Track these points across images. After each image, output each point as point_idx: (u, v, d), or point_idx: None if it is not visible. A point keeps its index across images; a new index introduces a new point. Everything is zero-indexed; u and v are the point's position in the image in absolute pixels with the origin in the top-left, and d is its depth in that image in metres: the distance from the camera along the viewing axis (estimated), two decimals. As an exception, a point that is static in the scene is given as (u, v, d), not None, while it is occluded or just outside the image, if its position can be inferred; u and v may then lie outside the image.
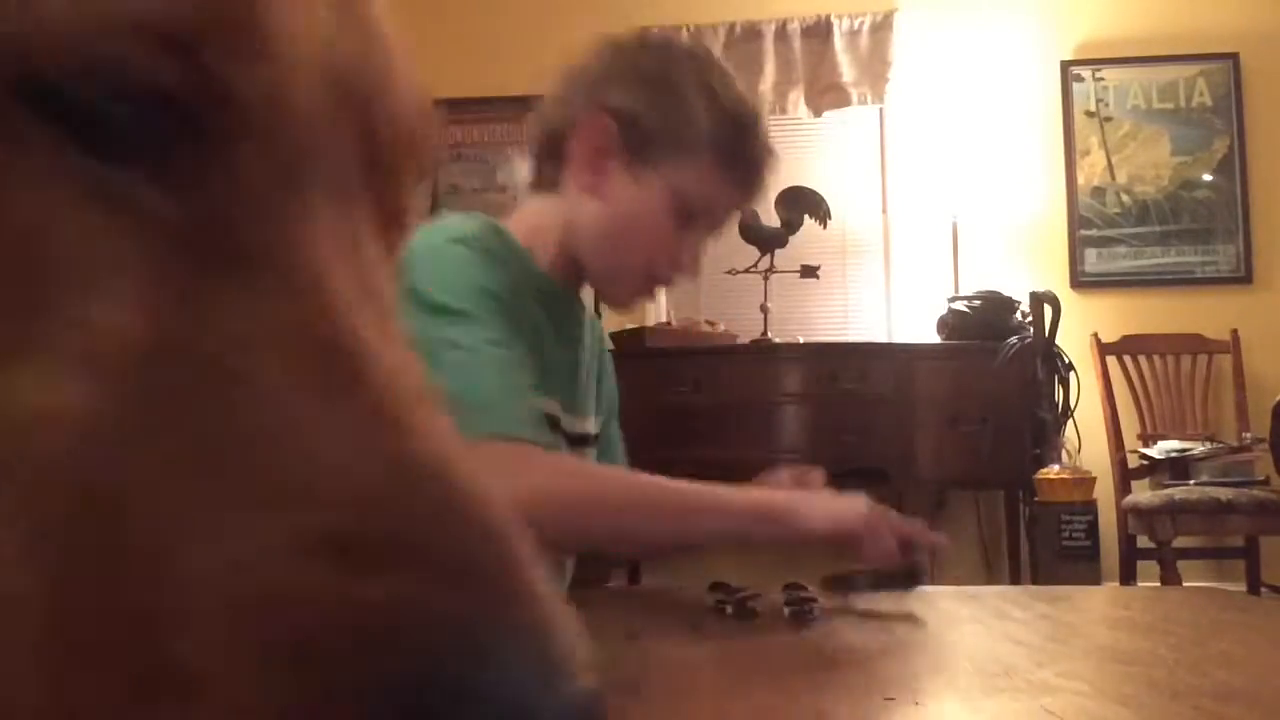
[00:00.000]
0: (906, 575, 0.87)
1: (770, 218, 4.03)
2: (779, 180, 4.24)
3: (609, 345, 1.35)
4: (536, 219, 1.14)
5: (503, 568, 0.21)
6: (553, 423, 1.09)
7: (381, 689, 0.18)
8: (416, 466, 0.21)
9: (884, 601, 0.84)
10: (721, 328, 3.88)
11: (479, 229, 1.07)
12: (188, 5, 0.22)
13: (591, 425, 1.22)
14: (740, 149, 1.08)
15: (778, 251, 3.98)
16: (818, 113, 4.23)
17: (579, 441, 1.17)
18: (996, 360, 3.64)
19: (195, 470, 0.20)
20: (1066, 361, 3.77)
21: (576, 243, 1.12)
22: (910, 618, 0.90)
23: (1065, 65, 4.22)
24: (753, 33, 4.24)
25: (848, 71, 4.18)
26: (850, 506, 1.00)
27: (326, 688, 0.18)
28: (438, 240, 1.03)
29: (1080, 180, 4.19)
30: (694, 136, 1.07)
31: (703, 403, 3.53)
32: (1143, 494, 3.52)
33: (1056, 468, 3.53)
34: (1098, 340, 3.94)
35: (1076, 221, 4.18)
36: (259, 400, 0.21)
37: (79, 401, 0.20)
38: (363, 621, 0.18)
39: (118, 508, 0.19)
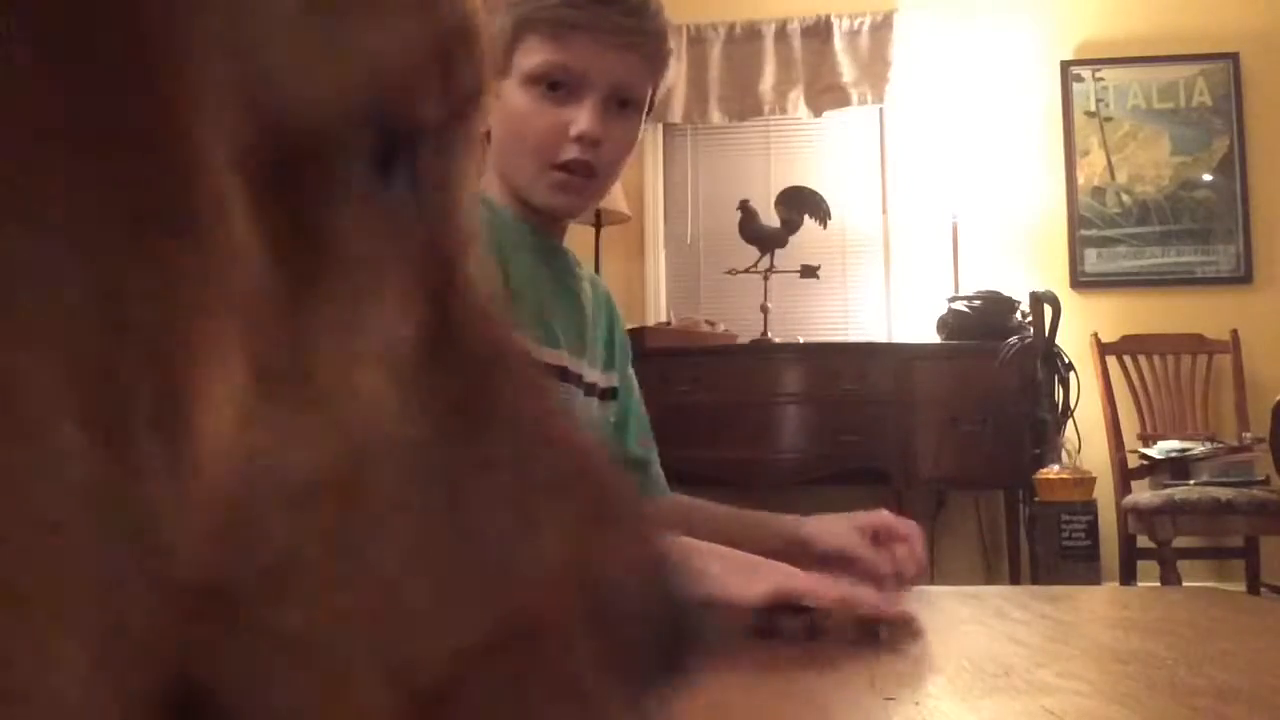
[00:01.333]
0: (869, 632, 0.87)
1: (770, 218, 4.03)
2: (780, 179, 4.26)
3: (615, 305, 1.34)
4: (492, 177, 1.18)
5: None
6: (562, 373, 1.11)
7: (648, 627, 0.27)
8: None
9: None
10: (721, 328, 3.88)
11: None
12: (419, 47, 0.23)
13: (601, 379, 1.22)
14: (536, 6, 1.10)
15: (777, 251, 3.99)
16: (818, 113, 4.23)
17: (588, 391, 1.19)
18: (996, 360, 3.64)
19: (499, 471, 0.25)
20: (1066, 361, 3.77)
21: (500, 175, 1.15)
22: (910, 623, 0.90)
23: (1065, 65, 4.22)
24: (753, 33, 4.24)
25: (848, 71, 4.18)
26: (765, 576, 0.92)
27: (618, 627, 0.26)
28: None
29: (1080, 180, 4.19)
30: (504, 26, 1.11)
31: (702, 403, 3.53)
32: (1143, 494, 3.52)
33: (1056, 468, 3.53)
34: (1098, 340, 3.94)
35: (1076, 221, 4.18)
36: (521, 403, 0.26)
37: (401, 405, 0.23)
38: (630, 588, 0.26)
39: (467, 496, 0.24)
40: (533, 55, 1.10)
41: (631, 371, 1.31)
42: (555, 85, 1.10)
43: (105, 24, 0.18)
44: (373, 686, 0.21)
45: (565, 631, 0.24)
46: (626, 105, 1.13)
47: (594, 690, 0.25)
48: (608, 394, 1.24)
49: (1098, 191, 4.19)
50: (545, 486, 0.25)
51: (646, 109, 1.18)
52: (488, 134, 1.15)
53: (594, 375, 1.21)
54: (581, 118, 1.09)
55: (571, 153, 1.10)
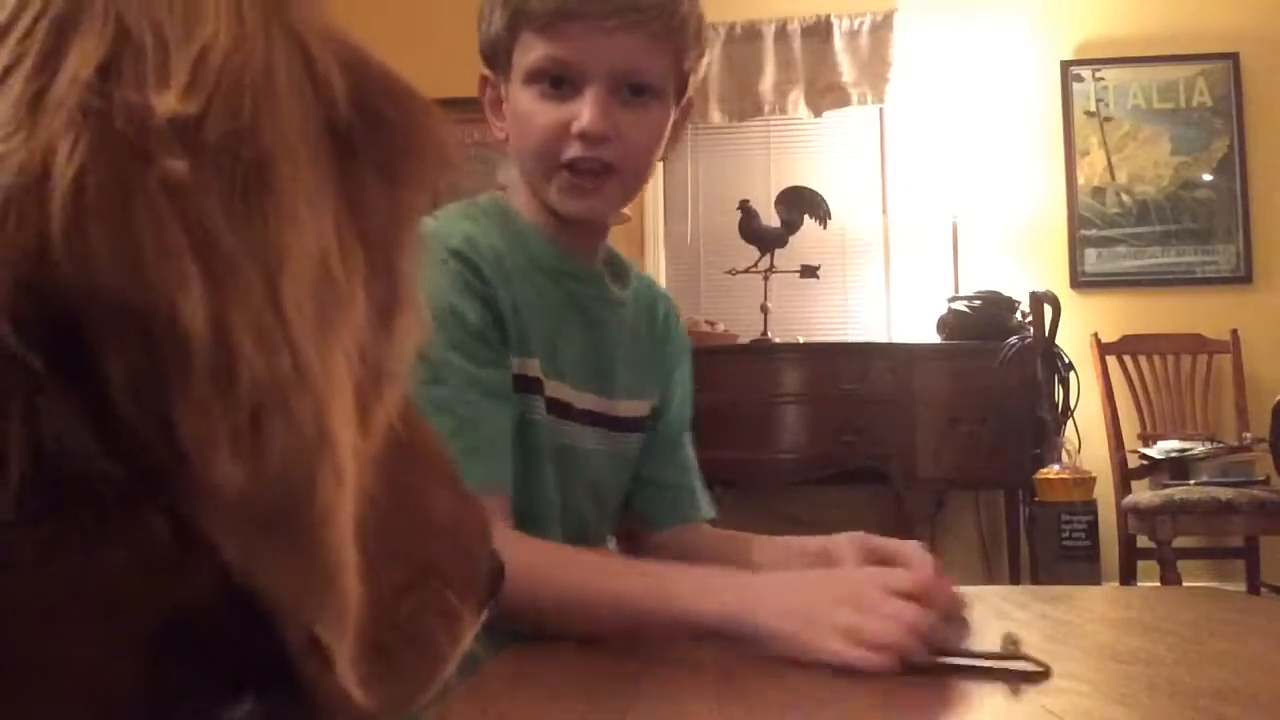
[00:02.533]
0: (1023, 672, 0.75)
1: (770, 218, 4.03)
2: (780, 179, 4.26)
3: (684, 341, 1.28)
4: (520, 189, 1.13)
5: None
6: (531, 383, 1.05)
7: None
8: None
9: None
10: (721, 328, 3.88)
11: (475, 231, 1.07)
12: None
13: (626, 408, 1.15)
14: (527, 5, 1.04)
15: (778, 251, 3.99)
16: (818, 113, 4.23)
17: (594, 420, 1.13)
18: (996, 360, 3.64)
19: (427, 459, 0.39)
20: (1066, 361, 3.77)
21: (524, 180, 1.10)
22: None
23: (1065, 65, 4.22)
24: (753, 33, 4.24)
25: (848, 71, 4.18)
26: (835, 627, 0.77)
27: (479, 562, 0.40)
28: (430, 266, 1.03)
29: (1080, 180, 4.19)
30: (500, 27, 1.05)
31: (702, 402, 3.50)
32: (1143, 494, 3.52)
33: (1056, 467, 3.53)
34: (1098, 340, 3.94)
35: (1076, 221, 4.18)
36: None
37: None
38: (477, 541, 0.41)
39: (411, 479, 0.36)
40: (529, 53, 1.03)
41: (680, 397, 1.24)
42: (557, 81, 1.02)
43: None
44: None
45: (448, 570, 0.37)
46: (641, 91, 1.03)
47: (462, 611, 0.37)
48: (642, 423, 1.18)
49: (1098, 191, 4.19)
50: (436, 480, 0.39)
51: (679, 91, 1.08)
52: (507, 138, 1.10)
53: (612, 407, 1.14)
54: (583, 113, 1.01)
55: (575, 150, 1.02)
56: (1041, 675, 0.71)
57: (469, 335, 0.99)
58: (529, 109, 1.04)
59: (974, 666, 0.74)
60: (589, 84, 1.02)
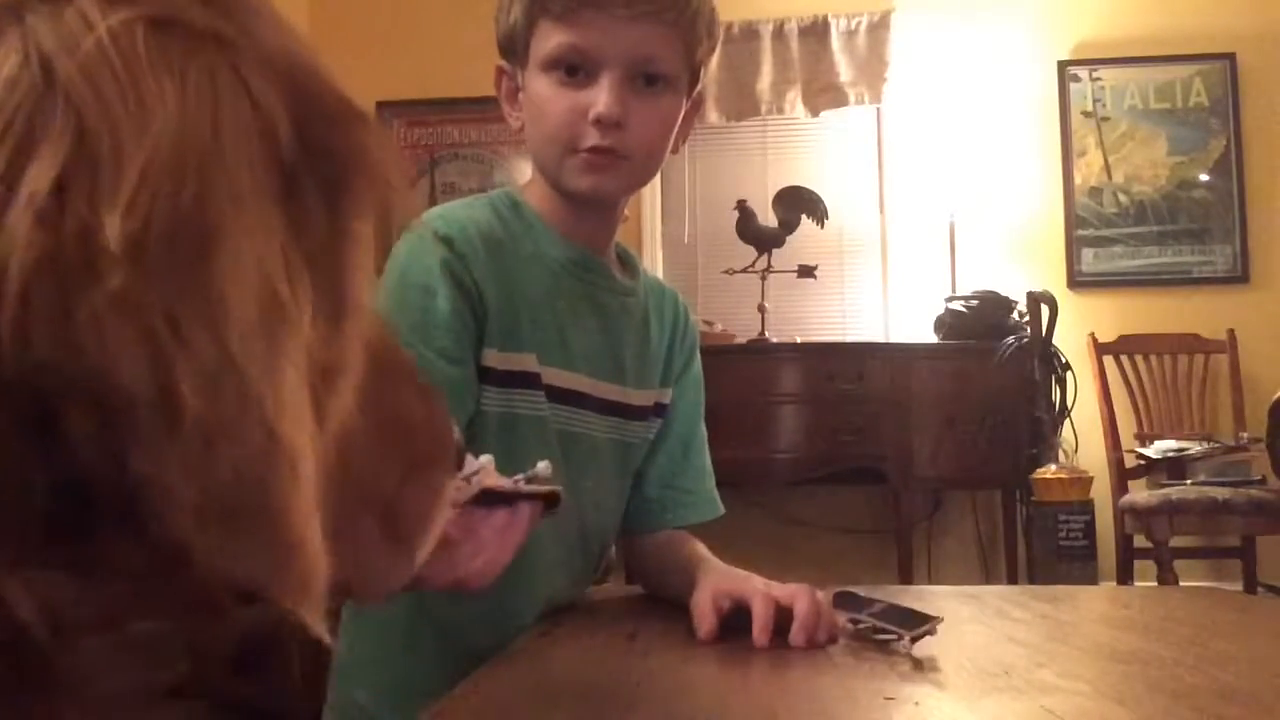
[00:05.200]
0: (920, 617, 0.82)
1: (768, 218, 4.03)
2: (777, 179, 4.26)
3: (685, 320, 1.28)
4: (532, 179, 1.15)
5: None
6: (523, 378, 1.06)
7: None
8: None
9: (890, 632, 0.82)
10: (719, 328, 3.88)
11: (475, 218, 1.07)
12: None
13: (640, 397, 1.17)
14: None
15: (775, 251, 3.99)
16: (815, 113, 4.23)
17: (616, 411, 1.14)
18: (994, 360, 3.64)
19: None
20: (1063, 361, 3.77)
21: (537, 168, 1.12)
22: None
23: (1062, 65, 4.22)
24: (750, 32, 4.24)
25: (845, 71, 4.18)
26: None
27: (448, 444, 0.49)
28: (416, 244, 1.04)
29: (1077, 180, 4.19)
30: (518, 16, 1.07)
31: (700, 402, 3.53)
32: (1140, 493, 3.52)
33: (1053, 467, 3.54)
34: (1095, 340, 3.95)
35: (1073, 221, 4.18)
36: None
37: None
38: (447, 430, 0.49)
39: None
40: (546, 40, 1.05)
41: (689, 394, 1.25)
42: (573, 69, 1.04)
43: None
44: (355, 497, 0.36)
45: (430, 456, 0.46)
46: (655, 81, 1.06)
47: (445, 482, 0.48)
48: (647, 412, 1.19)
49: (1095, 191, 4.19)
50: (408, 388, 0.46)
51: (691, 81, 1.10)
52: (522, 128, 1.12)
53: (625, 395, 1.15)
54: (598, 99, 1.03)
55: (592, 138, 1.04)
56: (935, 620, 0.80)
57: (435, 324, 1.00)
58: (545, 95, 1.06)
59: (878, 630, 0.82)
60: (604, 71, 1.03)
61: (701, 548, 1.16)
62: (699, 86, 1.13)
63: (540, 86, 1.06)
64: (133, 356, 0.28)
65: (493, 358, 1.04)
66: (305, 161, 0.33)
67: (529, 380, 1.06)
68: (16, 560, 0.28)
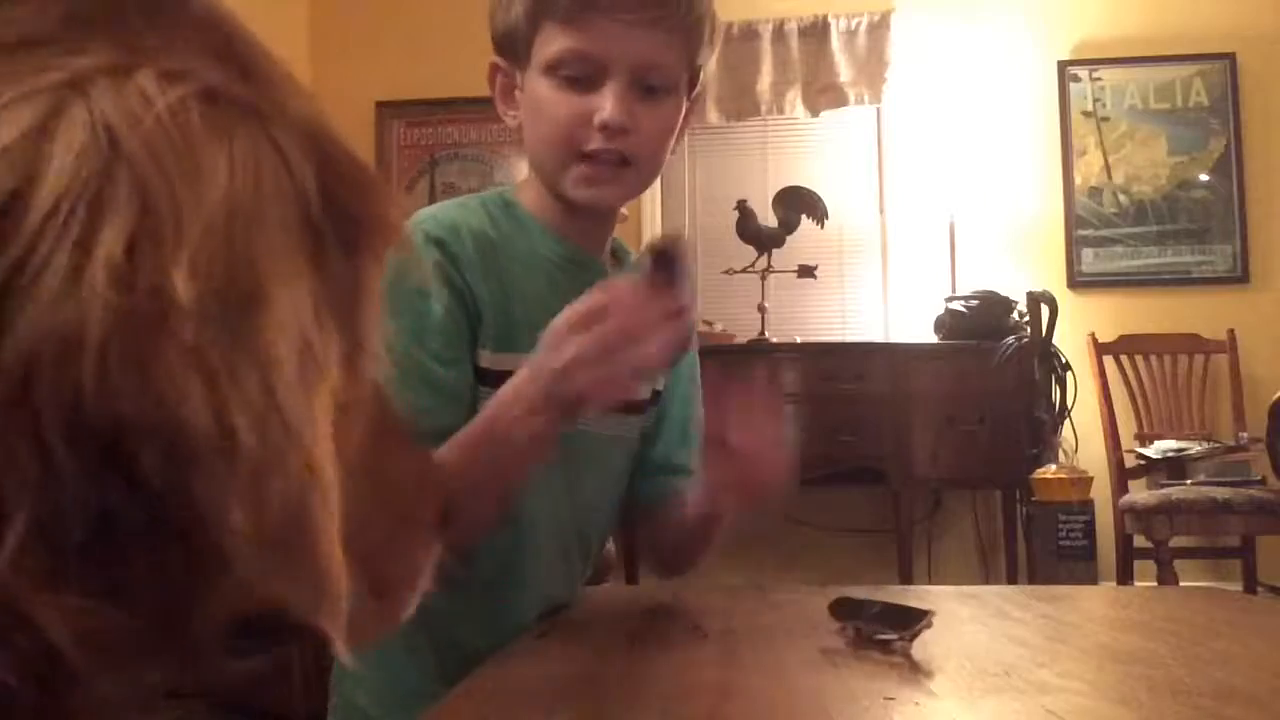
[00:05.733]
0: (915, 614, 0.83)
1: (768, 218, 4.03)
2: (777, 179, 4.26)
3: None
4: (528, 180, 1.15)
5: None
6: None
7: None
8: None
9: (888, 633, 0.82)
10: (719, 327, 3.88)
11: (466, 219, 1.07)
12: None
13: (644, 389, 1.18)
14: None
15: (775, 251, 3.99)
16: (815, 113, 4.23)
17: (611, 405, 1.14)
18: (994, 360, 3.65)
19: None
20: (1063, 361, 3.78)
21: (535, 170, 1.12)
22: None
23: (1062, 65, 4.22)
24: (750, 32, 4.24)
25: (845, 71, 4.19)
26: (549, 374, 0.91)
27: (436, 500, 0.50)
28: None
29: (1077, 180, 4.20)
30: (520, 16, 1.06)
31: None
32: (1140, 494, 3.52)
33: (1053, 467, 3.54)
34: (1094, 340, 3.95)
35: (1073, 221, 4.18)
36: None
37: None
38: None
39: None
40: (550, 43, 1.04)
41: (685, 377, 1.26)
42: (577, 72, 1.04)
43: None
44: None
45: (418, 512, 0.48)
46: (657, 88, 1.06)
47: (431, 538, 0.49)
48: (644, 404, 1.20)
49: (1095, 191, 4.20)
50: (399, 446, 0.48)
51: (690, 83, 1.10)
52: (519, 126, 1.11)
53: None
54: (605, 105, 1.03)
55: (596, 142, 1.04)
56: (929, 614, 0.80)
57: (429, 327, 1.01)
58: (548, 99, 1.05)
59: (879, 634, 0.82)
60: (610, 77, 1.03)
61: None
62: (697, 89, 1.13)
63: (542, 89, 1.05)
64: (200, 400, 0.31)
65: (487, 358, 1.04)
66: (330, 222, 0.37)
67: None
68: (50, 585, 0.30)
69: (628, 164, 1.06)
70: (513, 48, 1.09)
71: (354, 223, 0.38)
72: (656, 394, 1.22)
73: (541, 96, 1.06)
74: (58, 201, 0.30)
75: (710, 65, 1.14)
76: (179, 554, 0.32)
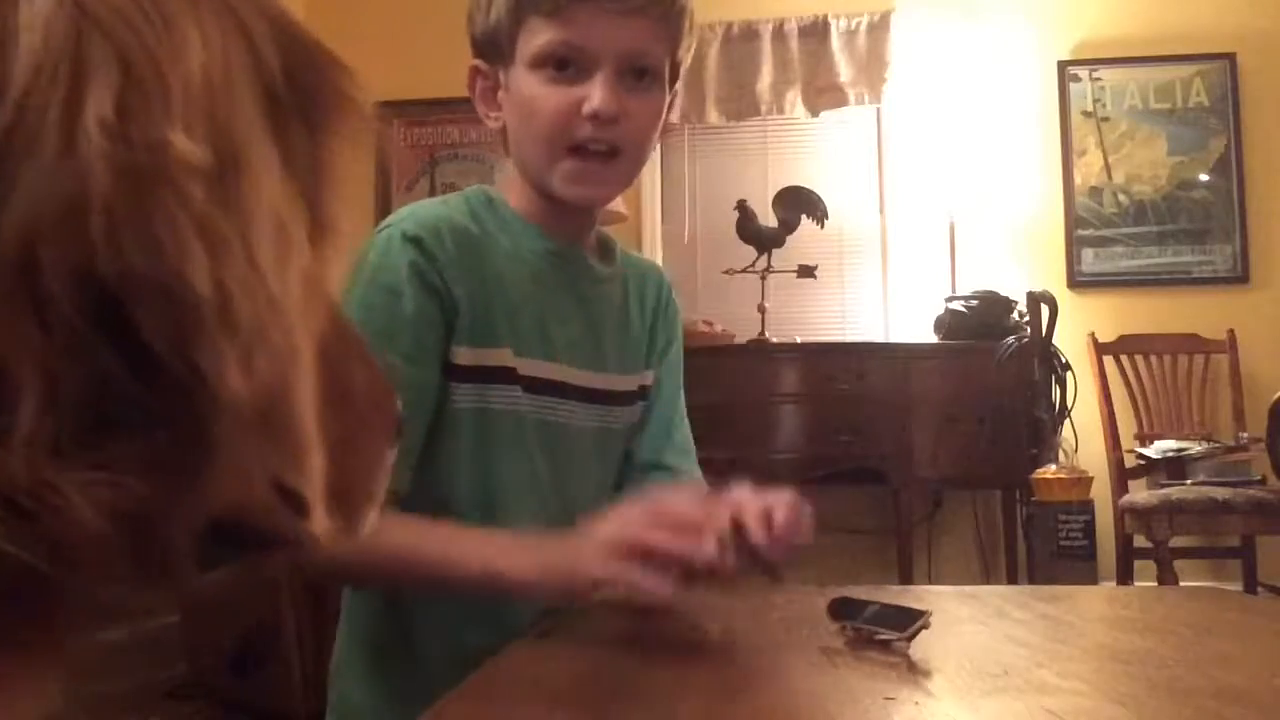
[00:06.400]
0: (913, 614, 0.82)
1: (768, 218, 4.03)
2: (777, 179, 4.26)
3: (667, 301, 1.27)
4: (511, 180, 1.15)
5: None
6: (497, 373, 1.06)
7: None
8: None
9: (887, 633, 0.82)
10: (719, 328, 3.88)
11: (446, 215, 1.07)
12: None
13: (623, 382, 1.18)
14: None
15: (775, 251, 3.99)
16: (815, 113, 4.23)
17: (600, 399, 1.15)
18: (994, 360, 3.64)
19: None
20: (1063, 361, 3.78)
21: (520, 169, 1.12)
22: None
23: (1062, 65, 4.22)
24: (750, 32, 4.24)
25: (845, 71, 4.18)
26: (579, 554, 0.89)
27: (389, 412, 0.49)
28: (385, 246, 1.04)
29: (1077, 180, 4.20)
30: (501, 14, 1.07)
31: (699, 402, 3.51)
32: (1140, 493, 3.52)
33: (1053, 467, 3.54)
34: (1095, 340, 3.95)
35: (1073, 221, 4.18)
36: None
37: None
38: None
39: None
40: (536, 37, 1.04)
41: (671, 373, 1.26)
42: (563, 64, 1.04)
43: None
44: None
45: (370, 421, 0.46)
46: (644, 76, 1.06)
47: (384, 448, 0.47)
48: (632, 397, 1.19)
49: (1095, 191, 4.19)
50: (355, 355, 0.46)
51: (672, 77, 1.11)
52: (504, 128, 1.12)
53: (608, 382, 1.16)
54: (594, 94, 1.03)
55: (586, 131, 1.04)
56: (927, 614, 0.80)
57: (400, 327, 1.01)
58: (536, 93, 1.05)
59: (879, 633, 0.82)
60: (598, 67, 1.03)
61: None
62: (678, 84, 1.14)
63: (529, 84, 1.06)
64: (200, 260, 0.31)
65: (465, 355, 1.05)
66: (291, 93, 0.36)
67: (503, 375, 1.07)
68: (63, 462, 0.30)
69: (616, 155, 1.06)
70: (495, 47, 1.09)
71: (316, 100, 0.38)
72: (644, 388, 1.22)
73: (528, 92, 1.06)
74: (38, 65, 0.30)
75: (687, 62, 1.15)
76: (169, 436, 0.32)
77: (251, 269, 0.33)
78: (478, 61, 1.12)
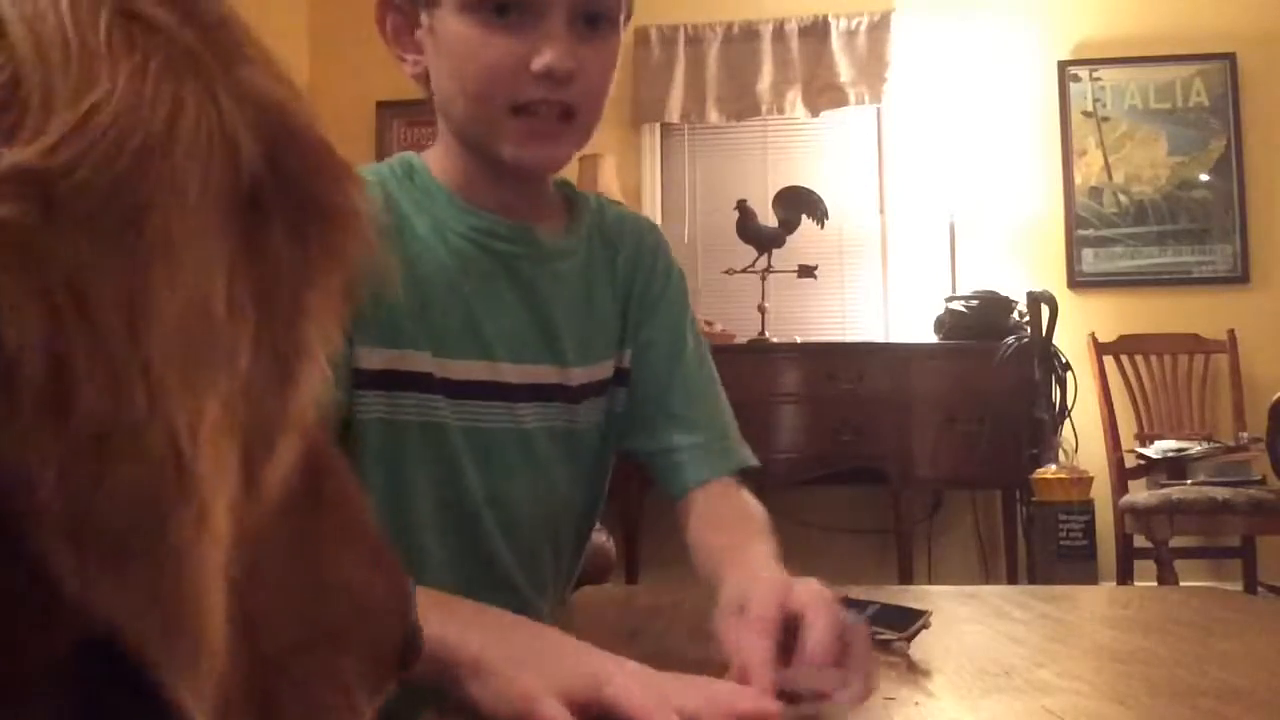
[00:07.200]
0: (913, 614, 0.82)
1: (768, 218, 4.03)
2: (777, 179, 4.25)
3: (668, 267, 1.09)
4: (438, 139, 0.99)
5: None
6: (412, 379, 0.91)
7: None
8: None
9: (887, 633, 0.82)
10: (719, 327, 3.88)
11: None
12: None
13: (583, 374, 1.00)
14: None
15: (775, 251, 3.99)
16: (815, 113, 4.23)
17: (540, 394, 0.98)
18: (994, 360, 3.64)
19: None
20: (1064, 361, 3.77)
21: (451, 128, 0.94)
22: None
23: (1062, 65, 4.22)
24: (750, 32, 4.24)
25: (845, 71, 4.18)
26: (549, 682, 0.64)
27: (389, 631, 0.37)
28: None
29: (1077, 180, 4.19)
30: None
31: (700, 402, 3.52)
32: (1140, 494, 3.52)
33: (1054, 467, 3.54)
34: (1095, 340, 3.94)
35: (1073, 221, 4.18)
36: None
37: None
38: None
39: None
40: None
41: (668, 332, 1.08)
42: (503, 9, 0.87)
43: None
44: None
45: (350, 636, 0.35)
46: (599, 22, 0.90)
47: (357, 680, 0.35)
48: (595, 389, 1.02)
49: (1095, 191, 4.19)
50: (346, 542, 0.37)
51: (626, 14, 0.94)
52: (425, 73, 0.94)
53: (563, 375, 0.99)
54: (545, 49, 0.86)
55: (537, 92, 0.87)
56: (926, 614, 0.79)
57: None
58: (469, 40, 0.88)
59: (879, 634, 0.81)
60: (547, 13, 0.87)
61: (739, 524, 0.96)
62: (629, 17, 0.96)
63: (459, 28, 0.88)
64: (23, 315, 0.23)
65: (372, 358, 0.89)
66: (275, 189, 0.30)
67: (419, 382, 0.91)
68: None
69: (572, 116, 0.90)
70: None
71: (306, 203, 0.31)
72: (622, 372, 1.05)
73: (459, 37, 0.88)
74: None
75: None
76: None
77: (133, 358, 0.25)
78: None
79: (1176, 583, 3.28)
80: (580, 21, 0.88)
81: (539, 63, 0.86)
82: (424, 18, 0.91)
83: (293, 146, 0.31)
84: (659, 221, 4.35)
